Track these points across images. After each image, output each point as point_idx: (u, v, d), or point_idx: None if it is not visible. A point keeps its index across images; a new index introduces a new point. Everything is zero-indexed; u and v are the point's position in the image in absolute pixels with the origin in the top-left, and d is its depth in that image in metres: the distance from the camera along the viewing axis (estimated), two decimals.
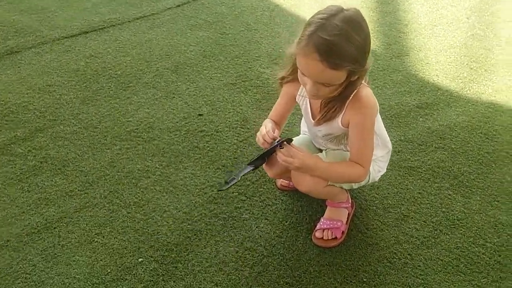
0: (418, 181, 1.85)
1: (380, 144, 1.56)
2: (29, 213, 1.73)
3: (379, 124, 1.53)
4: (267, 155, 1.41)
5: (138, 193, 1.81)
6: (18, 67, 2.45)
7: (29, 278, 1.52)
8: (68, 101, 2.26)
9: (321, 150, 1.61)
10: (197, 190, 1.82)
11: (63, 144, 2.03)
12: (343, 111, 1.39)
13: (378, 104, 1.44)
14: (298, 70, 1.30)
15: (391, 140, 1.67)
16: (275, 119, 1.58)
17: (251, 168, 1.42)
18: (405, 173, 1.88)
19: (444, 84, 2.37)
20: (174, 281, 1.50)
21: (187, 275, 1.52)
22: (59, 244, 1.62)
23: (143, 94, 2.31)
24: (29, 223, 1.69)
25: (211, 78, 2.43)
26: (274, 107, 1.60)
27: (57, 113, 2.19)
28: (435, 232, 1.65)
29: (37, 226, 1.68)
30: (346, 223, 1.65)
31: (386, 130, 1.61)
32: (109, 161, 1.95)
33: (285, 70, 1.44)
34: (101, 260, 1.57)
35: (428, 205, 1.75)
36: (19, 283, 1.50)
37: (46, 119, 2.15)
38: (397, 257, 1.57)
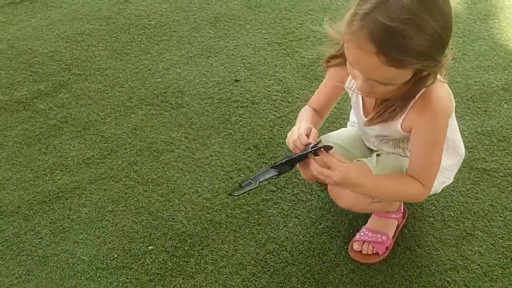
0: (492, 189, 1.49)
1: (450, 151, 1.22)
2: (43, 178, 1.61)
3: (452, 125, 1.17)
4: (297, 161, 1.13)
5: (158, 168, 1.62)
6: (49, 10, 2.27)
7: (34, 252, 1.41)
8: (96, 54, 2.06)
9: (371, 150, 1.31)
10: (222, 173, 1.59)
11: (86, 103, 1.87)
12: (406, 112, 1.06)
13: (454, 105, 1.09)
14: (347, 62, 0.98)
15: (463, 132, 1.31)
16: (316, 107, 1.27)
17: (275, 174, 1.14)
18: (477, 177, 1.52)
19: None
20: (183, 278, 1.33)
21: (198, 273, 1.34)
22: (69, 218, 1.50)
23: (176, 51, 2.05)
24: (41, 190, 1.58)
25: (253, 35, 2.10)
26: (316, 91, 1.29)
27: (84, 66, 2.01)
28: (505, 260, 1.32)
29: (49, 195, 1.56)
30: (393, 237, 1.36)
31: (459, 120, 1.25)
32: (132, 127, 1.77)
33: (332, 49, 1.11)
34: (109, 242, 1.43)
35: (500, 223, 1.41)
36: (23, 255, 1.41)
37: (72, 73, 1.97)
38: (449, 287, 1.28)
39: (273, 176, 1.13)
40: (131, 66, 2.00)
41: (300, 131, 1.09)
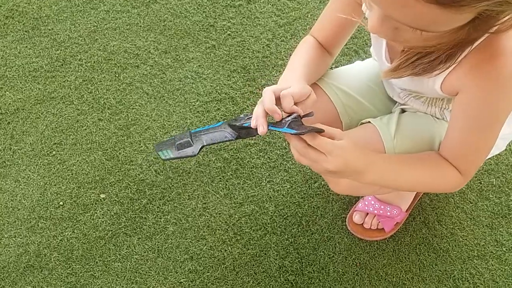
0: None
1: (510, 117, 0.80)
2: None
3: None
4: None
5: (119, 90, 1.27)
6: None
7: None
8: None
9: (394, 102, 0.89)
10: (197, 103, 1.23)
11: None
12: (453, 67, 0.63)
13: None
14: None
15: None
16: (322, 39, 0.82)
17: (229, 138, 0.72)
18: None
19: None
20: (138, 238, 1.09)
21: (157, 234, 1.09)
22: (10, 149, 1.22)
23: None
24: None
25: None
26: (322, 15, 0.82)
27: None
28: None
29: None
30: (408, 209, 1.04)
31: None
32: (91, 29, 1.37)
33: None
34: (55, 184, 1.17)
35: None
36: None
37: None
38: (472, 281, 0.99)
39: (226, 140, 0.73)
40: None
41: (268, 100, 0.64)
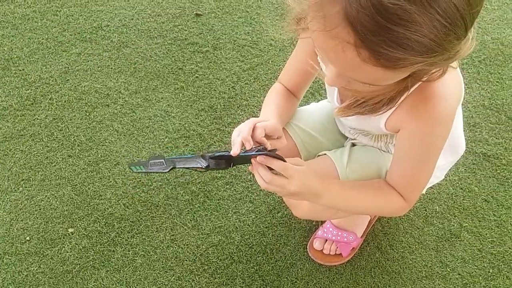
0: (490, 180, 1.23)
1: (447, 148, 0.93)
2: None
3: (456, 117, 0.87)
4: (238, 163, 0.83)
5: (89, 127, 1.32)
6: None
7: None
8: None
9: (345, 137, 1.01)
10: (166, 140, 1.30)
11: (8, 33, 1.49)
12: (394, 108, 0.75)
13: (463, 96, 0.77)
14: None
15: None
16: (288, 85, 0.93)
17: (200, 166, 0.78)
18: (474, 164, 1.26)
19: None
20: (106, 271, 1.11)
21: (126, 266, 1.11)
22: None
23: None
24: None
25: None
26: (287, 64, 0.94)
27: None
28: (491, 270, 1.11)
29: None
30: (363, 235, 1.13)
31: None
32: (62, 70, 1.43)
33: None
34: (21, 220, 1.17)
35: (493, 223, 1.18)
36: None
37: None
38: None
39: (197, 167, 0.79)
40: None
41: (245, 132, 0.74)
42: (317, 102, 1.09)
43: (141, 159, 0.91)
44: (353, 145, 0.96)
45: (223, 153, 0.78)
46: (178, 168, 0.80)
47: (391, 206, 0.82)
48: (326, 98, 1.07)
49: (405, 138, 0.76)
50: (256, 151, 0.73)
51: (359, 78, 0.59)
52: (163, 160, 0.79)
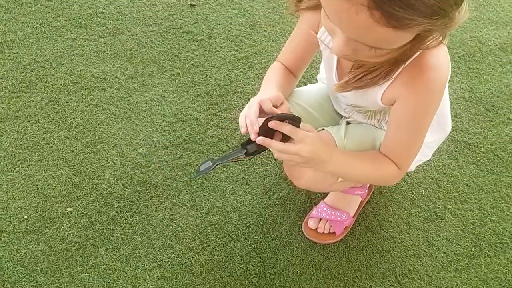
0: (471, 166, 1.32)
1: (435, 126, 1.00)
2: None
3: (443, 99, 0.94)
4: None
5: (86, 110, 1.33)
6: None
7: None
8: None
9: (340, 116, 1.07)
10: (163, 123, 1.32)
11: (2, 17, 1.48)
12: (391, 80, 0.81)
13: (450, 70, 0.84)
14: (322, 8, 0.68)
15: (449, 95, 1.07)
16: (288, 64, 0.98)
17: (240, 154, 0.84)
18: (456, 151, 1.34)
19: None
20: (106, 249, 1.12)
21: (125, 244, 1.13)
22: None
23: None
24: None
25: None
26: (287, 43, 0.98)
27: None
28: (473, 249, 1.19)
29: None
30: (354, 215, 1.19)
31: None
32: (57, 55, 1.43)
33: None
34: (19, 199, 1.17)
35: (474, 206, 1.26)
36: None
37: None
38: (410, 276, 1.14)
39: (238, 157, 0.85)
40: None
41: (254, 108, 0.79)
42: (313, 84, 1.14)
43: (195, 170, 0.99)
44: (348, 123, 1.02)
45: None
46: (222, 163, 0.86)
47: (386, 173, 0.88)
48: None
49: (400, 109, 0.83)
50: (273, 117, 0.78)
51: (369, 41, 0.64)
52: (210, 161, 0.87)
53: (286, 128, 0.78)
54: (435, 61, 0.76)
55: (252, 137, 0.78)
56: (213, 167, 0.85)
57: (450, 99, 1.42)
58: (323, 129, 0.98)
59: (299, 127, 0.80)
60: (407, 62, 0.76)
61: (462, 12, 0.64)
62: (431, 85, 0.77)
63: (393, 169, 0.88)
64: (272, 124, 0.79)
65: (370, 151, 0.92)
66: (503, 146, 1.36)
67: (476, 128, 1.39)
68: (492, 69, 1.52)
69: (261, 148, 0.84)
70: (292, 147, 0.78)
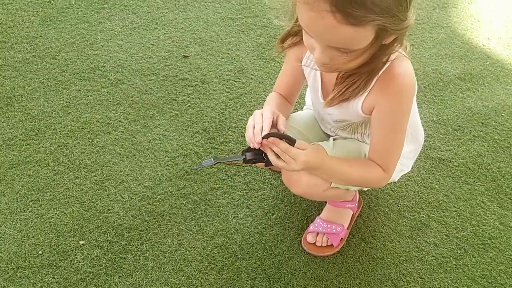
0: (447, 179, 1.46)
1: (409, 136, 1.14)
2: None
3: (413, 108, 1.10)
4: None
5: (93, 152, 1.44)
6: None
7: None
8: (25, 19, 1.81)
9: (328, 136, 1.21)
10: (166, 158, 1.44)
11: (10, 75, 1.63)
12: (368, 90, 0.96)
13: (416, 84, 1.01)
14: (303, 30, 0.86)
15: (420, 119, 1.24)
16: (282, 93, 1.15)
17: (239, 158, 0.98)
18: (432, 166, 1.49)
19: (496, 52, 1.89)
20: (119, 277, 1.18)
21: (137, 270, 1.20)
22: None
23: (118, 20, 1.85)
24: None
25: (206, 8, 1.94)
26: (279, 75, 1.16)
27: (9, 33, 1.75)
28: (459, 251, 1.30)
29: None
30: (348, 227, 1.29)
31: (417, 105, 1.19)
32: (64, 105, 1.56)
33: (287, 25, 0.99)
34: (33, 236, 1.24)
35: (454, 213, 1.38)
36: None
37: None
38: (405, 280, 1.23)
39: (237, 160, 0.99)
40: (65, 36, 1.77)
41: (257, 127, 0.93)
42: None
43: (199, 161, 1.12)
44: (334, 139, 1.16)
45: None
46: (222, 162, 0.98)
47: (373, 176, 1.01)
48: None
49: (378, 113, 0.98)
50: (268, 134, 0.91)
51: (338, 43, 0.80)
52: (212, 159, 0.99)
53: (281, 145, 0.92)
54: (403, 70, 0.93)
55: (256, 145, 0.91)
56: (214, 163, 0.97)
57: (422, 122, 1.60)
58: (314, 144, 1.11)
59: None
60: (380, 73, 0.93)
61: (410, 16, 0.81)
62: (401, 88, 0.93)
63: (379, 172, 1.01)
64: (270, 140, 0.93)
65: (358, 158, 1.06)
66: (473, 160, 1.51)
67: (447, 145, 1.55)
68: (454, 95, 1.71)
69: (258, 157, 0.96)
70: (287, 156, 0.92)
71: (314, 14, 0.76)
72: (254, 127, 0.93)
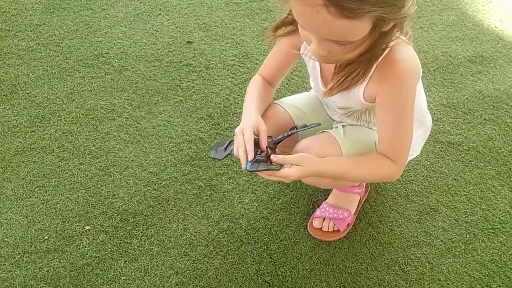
0: (456, 163, 1.43)
1: (417, 123, 1.11)
2: None
3: (419, 93, 1.07)
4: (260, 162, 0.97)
5: (97, 138, 1.43)
6: None
7: None
8: (28, 7, 1.80)
9: (332, 121, 1.18)
10: (171, 144, 1.43)
11: (14, 63, 1.62)
12: (368, 77, 0.93)
13: (420, 68, 0.97)
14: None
15: (429, 103, 1.22)
16: (266, 76, 1.13)
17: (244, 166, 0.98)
18: (441, 150, 1.46)
19: (508, 33, 1.83)
20: (125, 261, 1.18)
21: (142, 255, 1.19)
22: None
23: (122, 7, 1.83)
24: None
25: None
26: (267, 58, 1.13)
27: (13, 21, 1.75)
28: (468, 236, 1.27)
29: None
30: (355, 212, 1.27)
31: (425, 91, 1.15)
32: (68, 92, 1.55)
33: (281, 15, 0.96)
34: (39, 222, 1.24)
35: (464, 197, 1.35)
36: None
37: None
38: (412, 264, 1.21)
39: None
40: (69, 23, 1.76)
41: (246, 136, 0.93)
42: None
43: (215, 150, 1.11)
44: (343, 126, 1.14)
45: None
46: (222, 159, 1.01)
47: (386, 171, 0.98)
48: None
49: (380, 103, 0.94)
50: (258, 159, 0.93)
51: (335, 36, 0.77)
52: (223, 151, 1.02)
53: (265, 173, 0.93)
54: (403, 55, 0.89)
55: (243, 164, 0.93)
56: (221, 158, 1.00)
57: (430, 106, 1.57)
58: (323, 132, 1.09)
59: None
60: (379, 60, 0.89)
61: (410, 3, 0.77)
62: (402, 74, 0.90)
63: (388, 165, 0.98)
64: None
65: (368, 154, 1.02)
66: (484, 143, 1.48)
67: (457, 129, 1.52)
68: (465, 78, 1.67)
69: (258, 168, 0.95)
70: (283, 172, 0.93)
71: (308, 9, 0.73)
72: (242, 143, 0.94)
